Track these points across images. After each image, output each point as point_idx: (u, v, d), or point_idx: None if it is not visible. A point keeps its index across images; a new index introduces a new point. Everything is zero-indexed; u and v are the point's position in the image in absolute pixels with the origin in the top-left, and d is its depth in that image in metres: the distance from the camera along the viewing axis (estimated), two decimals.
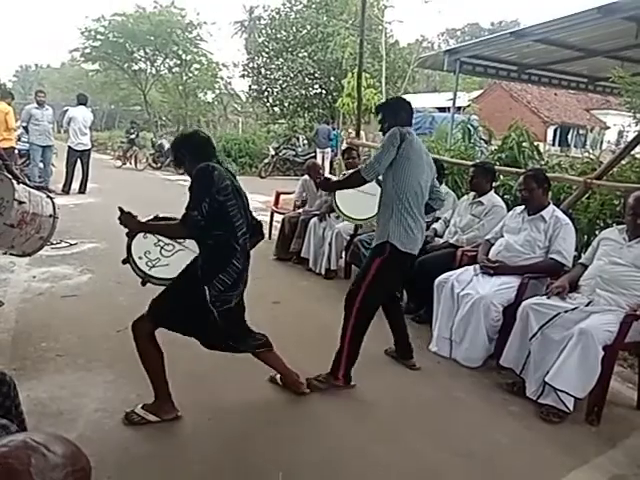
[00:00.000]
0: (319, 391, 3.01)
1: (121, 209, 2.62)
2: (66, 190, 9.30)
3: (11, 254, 3.87)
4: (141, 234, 2.70)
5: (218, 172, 2.45)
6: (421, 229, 2.98)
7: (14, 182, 3.40)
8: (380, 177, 2.97)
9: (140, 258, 2.69)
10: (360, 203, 3.35)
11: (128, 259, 2.71)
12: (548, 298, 2.99)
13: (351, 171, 3.34)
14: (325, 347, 3.57)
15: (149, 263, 2.69)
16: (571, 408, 2.74)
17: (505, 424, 2.76)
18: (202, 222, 2.40)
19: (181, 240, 2.70)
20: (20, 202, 3.33)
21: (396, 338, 3.43)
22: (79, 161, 9.47)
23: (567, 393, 2.71)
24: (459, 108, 12.35)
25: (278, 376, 3.01)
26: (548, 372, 2.77)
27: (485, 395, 3.04)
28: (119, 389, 2.88)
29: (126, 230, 2.66)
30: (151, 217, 2.75)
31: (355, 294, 2.98)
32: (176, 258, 2.68)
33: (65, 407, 2.68)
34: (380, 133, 3.12)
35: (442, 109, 19.27)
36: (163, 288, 2.62)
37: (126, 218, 2.60)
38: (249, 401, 2.87)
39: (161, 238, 2.70)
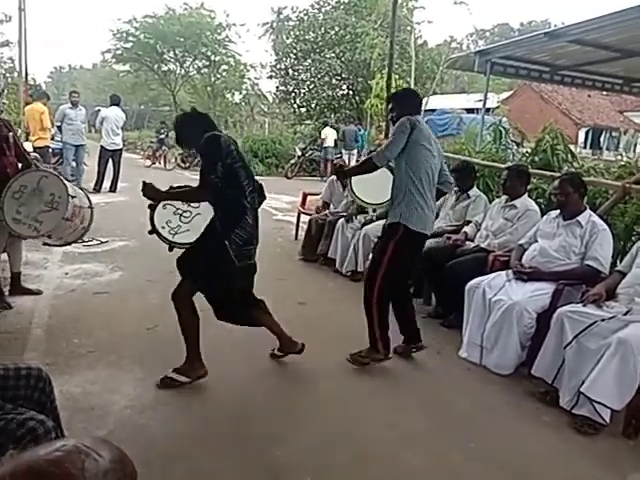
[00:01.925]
0: (362, 366, 3.25)
1: (144, 182, 2.88)
2: (97, 189, 9.49)
3: (51, 245, 4.04)
4: (160, 206, 2.99)
5: (223, 138, 2.74)
6: (432, 210, 3.19)
7: (62, 178, 3.56)
8: (392, 163, 3.16)
9: (163, 228, 2.99)
10: (375, 189, 3.49)
11: (153, 230, 2.99)
12: (584, 306, 2.91)
13: (363, 158, 3.54)
14: (350, 348, 3.56)
15: (171, 231, 2.99)
16: (607, 420, 2.65)
17: (538, 435, 2.69)
18: (219, 183, 2.67)
19: (196, 206, 2.99)
20: (73, 197, 3.51)
21: (402, 324, 3.46)
22: (111, 160, 9.66)
23: (603, 404, 2.63)
24: (488, 109, 12.18)
25: (276, 349, 3.27)
26: (583, 382, 2.68)
27: (517, 404, 2.97)
28: (149, 386, 2.91)
29: (149, 203, 2.95)
30: (167, 188, 3.01)
31: (373, 280, 3.17)
32: (195, 223, 2.97)
33: (96, 403, 2.72)
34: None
35: (470, 110, 19.04)
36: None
37: (149, 189, 2.88)
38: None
39: (179, 206, 2.99)
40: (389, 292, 3.23)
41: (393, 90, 6.49)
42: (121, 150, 9.93)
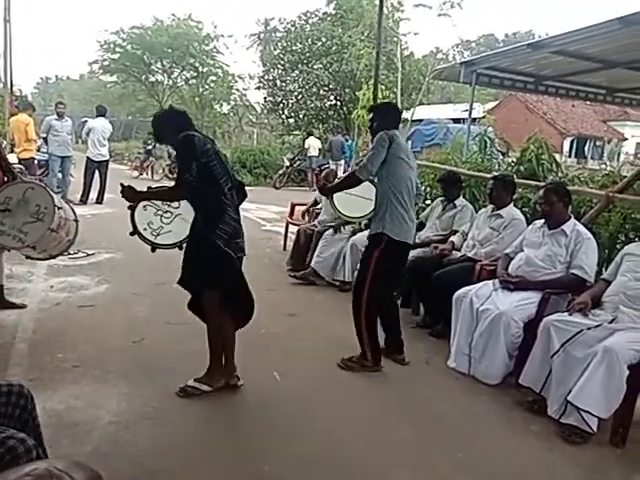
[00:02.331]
0: (352, 371, 3.34)
1: (122, 184, 2.95)
2: (84, 200, 9.41)
3: (33, 258, 3.98)
4: (140, 207, 3.00)
5: (198, 138, 2.78)
6: (412, 220, 3.32)
7: (49, 189, 3.52)
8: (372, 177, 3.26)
9: (145, 229, 3.01)
10: (355, 202, 3.57)
11: (135, 231, 3.01)
12: (570, 315, 2.92)
13: (346, 173, 3.60)
14: (338, 357, 3.54)
15: (153, 232, 3.01)
16: (595, 429, 2.66)
17: (526, 444, 2.69)
18: (194, 182, 2.73)
19: (176, 206, 3.02)
20: (59, 208, 3.48)
21: (388, 334, 3.59)
22: (97, 172, 9.59)
23: (590, 413, 2.63)
24: (474, 119, 12.30)
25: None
26: (570, 391, 2.69)
27: (505, 413, 2.97)
28: (134, 401, 2.87)
29: (128, 204, 2.98)
30: (146, 188, 3.05)
31: (361, 288, 3.27)
32: (176, 224, 3.02)
33: (80, 419, 2.67)
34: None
35: (457, 120, 19.23)
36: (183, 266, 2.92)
37: (127, 191, 2.93)
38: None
39: (160, 207, 3.02)
40: (377, 302, 3.31)
41: (379, 101, 6.54)
42: (107, 161, 9.87)
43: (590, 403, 2.63)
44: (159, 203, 3.04)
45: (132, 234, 3.01)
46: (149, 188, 3.09)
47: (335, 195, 3.58)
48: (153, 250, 3.04)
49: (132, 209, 3.01)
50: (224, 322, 2.96)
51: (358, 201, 3.49)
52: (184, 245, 2.96)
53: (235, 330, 3.06)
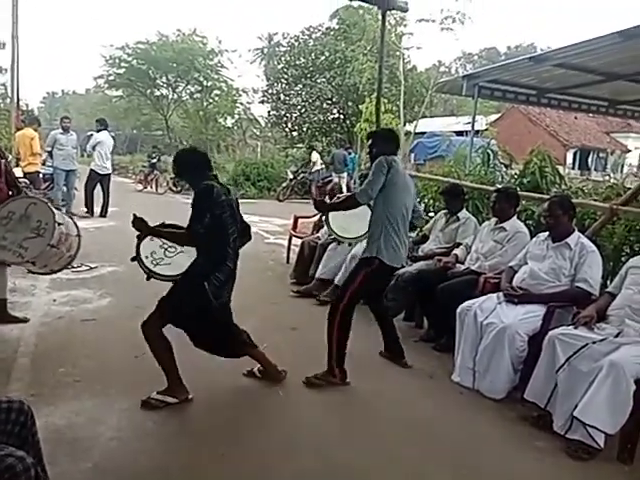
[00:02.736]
0: (317, 388, 3.29)
1: (135, 215, 3.06)
2: (90, 213, 9.46)
3: (35, 272, 4.00)
4: (149, 237, 3.17)
5: (217, 190, 2.91)
6: (405, 245, 3.43)
7: (50, 205, 3.55)
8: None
9: (147, 257, 3.20)
10: (350, 223, 3.66)
11: (137, 257, 3.20)
12: (575, 328, 2.90)
13: (345, 195, 3.72)
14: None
15: (154, 262, 3.20)
16: (601, 445, 2.62)
17: (531, 460, 2.65)
18: (203, 232, 2.86)
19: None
20: (60, 224, 3.52)
21: (386, 340, 3.74)
22: (99, 185, 9.64)
23: (597, 429, 2.59)
24: (477, 132, 12.33)
25: (256, 368, 3.36)
26: (576, 406, 2.66)
27: (510, 429, 2.93)
28: (135, 417, 2.85)
29: (137, 233, 3.13)
30: (159, 224, 3.21)
31: (341, 299, 3.34)
32: (177, 258, 3.20)
33: (81, 435, 2.65)
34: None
35: (460, 133, 19.30)
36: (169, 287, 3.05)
37: (138, 223, 3.07)
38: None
39: (165, 241, 3.20)
40: (351, 314, 3.35)
41: (379, 117, 6.58)
42: (110, 175, 9.94)
43: (596, 418, 2.59)
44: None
45: (133, 260, 3.21)
46: (162, 224, 3.23)
47: (331, 214, 3.66)
48: (148, 278, 3.20)
49: (140, 239, 3.18)
50: (164, 343, 2.99)
51: (353, 222, 3.58)
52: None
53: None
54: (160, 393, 2.99)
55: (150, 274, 3.19)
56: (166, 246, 3.20)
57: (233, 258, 3.03)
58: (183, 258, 3.12)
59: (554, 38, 59.78)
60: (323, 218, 3.77)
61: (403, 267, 3.53)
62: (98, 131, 9.73)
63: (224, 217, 2.92)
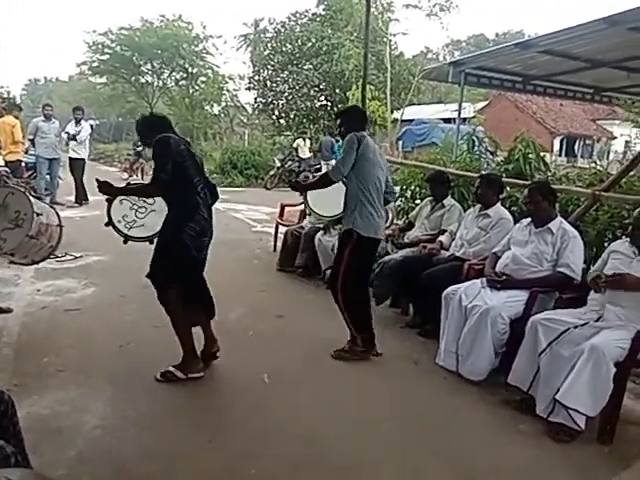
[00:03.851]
0: (346, 360, 3.51)
1: (97, 180, 3.07)
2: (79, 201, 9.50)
3: (16, 263, 3.94)
4: (117, 201, 3.24)
5: (173, 140, 2.97)
6: (381, 216, 3.50)
7: (28, 195, 3.49)
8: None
9: (119, 222, 3.24)
10: (328, 202, 3.78)
11: (110, 222, 3.24)
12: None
13: (319, 174, 3.80)
14: (328, 360, 3.54)
15: (127, 225, 3.25)
16: (582, 427, 2.66)
17: (515, 443, 2.69)
18: (168, 180, 2.90)
19: (151, 202, 3.26)
20: (38, 214, 3.46)
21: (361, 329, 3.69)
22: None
23: (578, 411, 2.64)
24: (465, 119, 12.34)
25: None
26: (558, 389, 2.69)
27: (493, 412, 2.97)
28: (119, 405, 2.84)
29: (106, 197, 3.22)
30: (124, 184, 3.28)
31: (335, 279, 3.53)
32: (149, 219, 3.25)
33: (65, 424, 2.64)
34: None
35: (448, 120, 19.30)
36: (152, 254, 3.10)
37: (105, 186, 3.09)
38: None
39: (135, 202, 3.26)
40: (351, 288, 3.51)
41: (365, 104, 6.53)
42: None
43: (577, 401, 2.63)
44: (135, 198, 3.25)
45: (107, 225, 3.25)
46: (127, 184, 3.30)
47: (309, 193, 3.79)
48: (125, 242, 3.27)
49: (109, 202, 3.24)
50: (186, 313, 3.12)
51: (330, 200, 3.68)
52: (155, 240, 3.15)
53: (206, 320, 3.30)
54: (174, 366, 3.12)
55: (126, 237, 3.25)
56: (136, 207, 3.24)
57: (204, 208, 3.06)
58: (155, 218, 3.17)
59: (543, 25, 59.87)
60: (302, 199, 3.88)
61: (380, 239, 3.64)
62: (79, 120, 9.58)
63: (186, 165, 2.97)
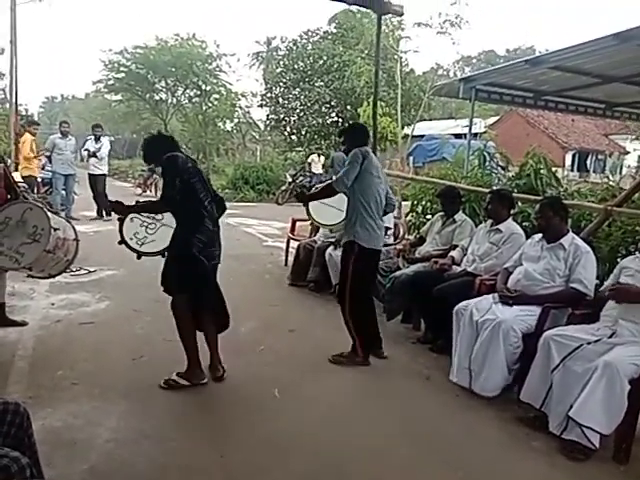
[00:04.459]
0: (343, 365, 3.66)
1: (109, 201, 3.36)
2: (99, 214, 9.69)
3: (34, 276, 4.02)
4: (128, 219, 3.39)
5: (181, 158, 3.13)
6: (381, 228, 3.68)
7: (46, 210, 3.56)
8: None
9: (131, 239, 3.38)
10: (328, 212, 3.95)
11: (123, 241, 3.38)
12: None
13: (323, 184, 3.96)
14: (340, 376, 3.53)
15: (139, 242, 3.39)
16: (597, 445, 2.63)
17: (528, 460, 2.66)
18: (176, 196, 3.05)
19: (160, 217, 3.39)
20: (55, 229, 3.53)
21: (368, 331, 3.83)
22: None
23: (592, 429, 2.60)
24: (475, 135, 12.36)
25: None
26: (572, 406, 2.66)
27: (506, 429, 2.94)
28: (132, 419, 2.86)
29: (118, 217, 3.39)
30: (134, 202, 3.41)
31: (343, 290, 3.69)
32: (159, 234, 3.37)
33: (79, 437, 2.66)
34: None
35: (459, 136, 19.33)
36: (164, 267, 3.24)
37: (117, 206, 3.26)
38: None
39: (145, 219, 3.40)
40: (358, 298, 3.68)
41: (376, 120, 6.60)
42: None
43: (591, 419, 2.60)
44: (145, 216, 3.39)
45: (120, 243, 3.39)
46: (137, 202, 3.41)
47: (311, 203, 3.95)
48: (138, 257, 3.40)
49: (121, 221, 3.40)
50: (192, 324, 3.25)
51: (331, 210, 3.87)
52: (166, 253, 3.28)
53: (217, 332, 3.40)
54: (178, 375, 3.22)
55: (139, 254, 3.39)
56: (146, 224, 3.40)
57: (211, 220, 3.20)
58: (165, 232, 3.31)
59: (553, 40, 59.93)
60: (305, 208, 4.06)
61: (381, 250, 3.80)
62: (99, 137, 9.79)
63: (193, 182, 3.11)
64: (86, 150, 9.69)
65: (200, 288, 3.20)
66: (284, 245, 7.08)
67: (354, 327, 3.69)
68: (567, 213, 3.53)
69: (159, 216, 3.40)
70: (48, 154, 9.37)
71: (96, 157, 9.60)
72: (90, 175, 9.79)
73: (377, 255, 3.74)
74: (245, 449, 2.65)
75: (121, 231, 3.38)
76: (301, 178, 15.37)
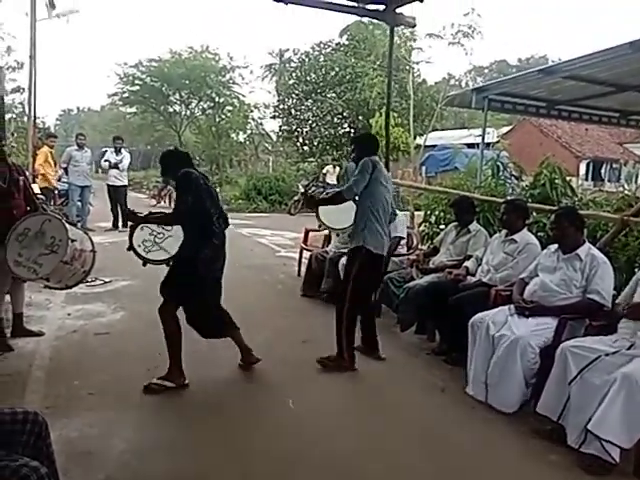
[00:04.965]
0: (329, 369, 3.73)
1: (125, 209, 3.52)
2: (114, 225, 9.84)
3: (51, 287, 4.07)
4: (139, 227, 3.53)
5: (195, 175, 3.30)
6: (387, 234, 3.86)
7: (64, 222, 3.62)
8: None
9: (139, 246, 3.52)
10: (337, 216, 4.10)
11: (131, 247, 3.50)
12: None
13: (333, 191, 4.09)
14: (353, 389, 3.51)
15: (146, 249, 3.52)
16: (617, 459, 2.57)
17: (546, 475, 2.62)
18: (188, 213, 3.22)
19: (169, 229, 3.54)
20: (73, 240, 3.60)
21: (365, 335, 4.03)
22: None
23: (612, 443, 2.56)
24: (488, 144, 12.30)
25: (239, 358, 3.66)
26: (590, 419, 2.62)
27: (523, 442, 2.90)
28: (147, 430, 2.88)
29: (130, 224, 3.60)
30: (146, 212, 3.57)
31: (344, 294, 3.76)
32: (166, 244, 3.52)
33: (94, 447, 2.68)
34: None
35: (471, 145, 19.24)
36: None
37: (131, 215, 3.53)
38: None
39: (154, 229, 3.55)
40: (357, 304, 3.79)
41: (389, 130, 6.59)
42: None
43: (611, 432, 2.56)
44: (155, 226, 3.52)
45: (128, 249, 3.51)
46: (150, 212, 3.60)
47: (321, 208, 4.12)
48: (144, 264, 3.52)
49: (132, 229, 3.54)
50: (177, 328, 3.39)
51: (340, 215, 3.99)
52: (171, 262, 3.46)
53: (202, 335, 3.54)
54: (160, 378, 3.32)
55: (145, 260, 3.52)
56: (155, 233, 3.55)
57: (219, 237, 3.36)
58: (171, 242, 3.48)
59: (566, 49, 59.70)
60: (315, 212, 4.21)
61: (384, 256, 3.92)
62: (119, 149, 9.96)
63: (204, 197, 3.27)
64: (107, 161, 9.85)
65: (190, 301, 3.36)
66: (297, 255, 7.10)
67: (346, 331, 3.75)
68: (583, 223, 3.50)
69: (168, 227, 3.55)
70: (65, 166, 9.51)
71: (117, 169, 9.76)
72: (110, 186, 9.95)
73: (382, 260, 3.88)
74: (261, 461, 2.64)
75: (131, 238, 3.52)
76: (313, 188, 15.40)
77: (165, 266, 3.48)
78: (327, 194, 4.61)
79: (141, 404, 3.14)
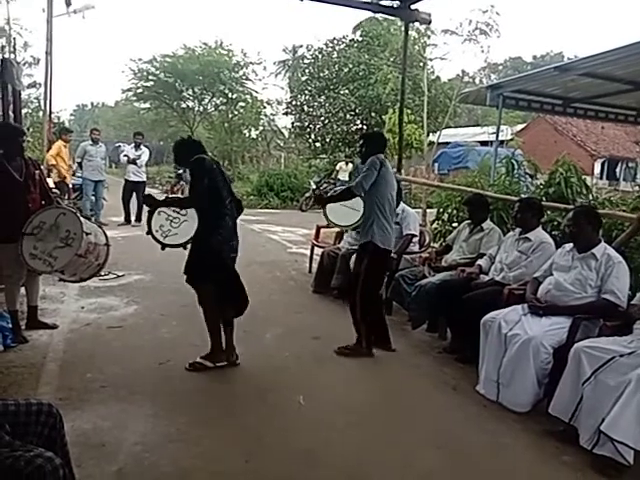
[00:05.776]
0: (346, 356, 3.92)
1: (144, 194, 3.76)
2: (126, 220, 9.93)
3: (66, 280, 4.11)
4: (156, 212, 3.58)
5: (207, 160, 3.51)
6: (393, 229, 4.03)
7: (79, 215, 3.66)
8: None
9: (156, 231, 3.57)
10: (345, 213, 4.11)
11: (149, 232, 3.57)
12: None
13: (342, 187, 4.16)
14: (365, 385, 3.51)
15: (163, 234, 3.57)
16: (631, 461, 2.55)
17: (559, 476, 2.59)
18: (203, 194, 3.39)
19: (184, 213, 3.58)
20: (87, 233, 3.63)
21: (376, 328, 4.10)
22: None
23: (626, 444, 2.53)
24: (502, 142, 12.21)
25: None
26: (603, 420, 2.59)
27: (535, 443, 2.88)
28: (159, 423, 2.89)
29: (148, 209, 3.63)
30: (164, 197, 3.76)
31: (355, 287, 3.95)
32: (182, 228, 3.57)
33: (107, 439, 2.70)
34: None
35: (485, 143, 19.14)
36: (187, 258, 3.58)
37: (148, 198, 3.67)
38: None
39: (170, 214, 3.59)
40: (369, 296, 3.95)
41: (402, 127, 6.56)
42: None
43: (625, 434, 2.53)
44: (170, 210, 3.60)
45: (147, 234, 3.59)
46: (167, 197, 3.83)
47: (328, 205, 4.11)
48: (162, 249, 3.59)
49: (150, 214, 3.59)
50: (217, 311, 3.57)
51: (347, 212, 4.05)
52: (188, 246, 3.53)
53: (233, 317, 3.65)
54: (202, 357, 3.55)
55: (163, 244, 3.58)
56: (171, 218, 3.60)
57: (230, 218, 3.54)
58: (187, 227, 3.55)
59: (582, 46, 58.95)
60: (322, 210, 4.18)
61: (391, 251, 4.07)
62: (139, 144, 10.04)
63: (217, 181, 3.46)
64: (125, 156, 9.92)
65: (220, 278, 3.52)
66: (308, 252, 7.10)
67: (362, 318, 3.94)
68: (600, 223, 3.45)
69: (183, 212, 3.62)
70: (79, 160, 9.59)
71: (136, 164, 9.82)
72: (128, 181, 10.04)
73: (389, 255, 4.03)
74: (270, 456, 2.65)
75: (149, 223, 3.59)
76: (325, 185, 15.40)
77: (182, 249, 3.58)
78: (335, 192, 4.68)
79: (154, 397, 3.16)
